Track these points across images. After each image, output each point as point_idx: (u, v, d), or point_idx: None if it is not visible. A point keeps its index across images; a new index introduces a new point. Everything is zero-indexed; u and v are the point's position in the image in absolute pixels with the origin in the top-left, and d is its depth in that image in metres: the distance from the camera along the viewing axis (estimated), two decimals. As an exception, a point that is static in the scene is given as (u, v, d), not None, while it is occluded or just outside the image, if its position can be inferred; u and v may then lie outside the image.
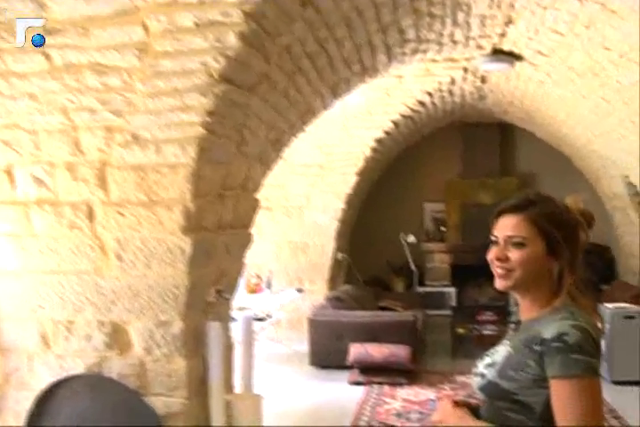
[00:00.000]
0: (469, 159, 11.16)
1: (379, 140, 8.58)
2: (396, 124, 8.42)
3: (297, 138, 5.17)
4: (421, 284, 10.81)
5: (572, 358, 1.72)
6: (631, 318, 6.81)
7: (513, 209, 1.92)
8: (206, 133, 3.53)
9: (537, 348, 1.79)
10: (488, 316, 8.43)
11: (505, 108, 9.32)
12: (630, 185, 8.53)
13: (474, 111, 9.69)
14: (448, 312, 9.77)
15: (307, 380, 7.09)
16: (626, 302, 7.50)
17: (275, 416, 5.49)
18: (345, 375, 7.00)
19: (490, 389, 1.90)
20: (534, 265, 1.88)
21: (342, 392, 6.60)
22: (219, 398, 4.03)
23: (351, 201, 9.13)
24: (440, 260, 11.09)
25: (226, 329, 4.44)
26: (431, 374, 7.29)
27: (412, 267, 10.40)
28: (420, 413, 5.86)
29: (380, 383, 6.81)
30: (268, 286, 8.27)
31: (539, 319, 1.87)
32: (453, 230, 11.16)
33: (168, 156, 3.56)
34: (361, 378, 6.88)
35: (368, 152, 8.62)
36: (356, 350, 7.00)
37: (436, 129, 10.37)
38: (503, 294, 10.96)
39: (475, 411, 1.99)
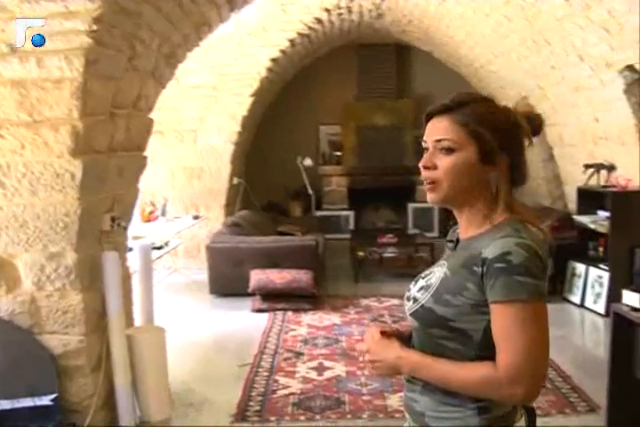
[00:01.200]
0: (365, 81, 10.95)
1: (274, 60, 8.22)
2: (292, 42, 8.07)
3: (191, 53, 4.79)
4: (319, 208, 10.69)
5: (517, 280, 1.51)
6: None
7: (443, 110, 1.66)
8: (93, 44, 3.16)
9: (477, 269, 1.56)
10: (388, 238, 8.37)
11: (403, 27, 9.08)
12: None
13: (371, 31, 9.42)
14: (347, 236, 9.72)
15: (208, 309, 6.88)
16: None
17: (178, 348, 5.30)
18: (247, 303, 6.83)
19: (423, 315, 1.67)
20: (465, 174, 1.63)
21: (246, 320, 6.43)
22: (119, 332, 3.77)
23: (246, 124, 8.80)
24: (337, 183, 10.95)
25: (123, 259, 4.15)
26: (334, 298, 7.21)
27: (309, 191, 10.25)
28: (327, 338, 5.77)
29: (283, 310, 6.68)
30: (163, 213, 7.94)
31: (479, 237, 1.64)
32: (350, 153, 10.99)
33: (52, 69, 3.18)
34: (264, 305, 6.72)
35: (263, 72, 8.26)
36: (257, 277, 6.82)
37: (331, 50, 10.08)
38: (400, 217, 11.03)
39: (407, 341, 1.79)
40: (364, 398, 4.40)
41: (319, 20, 7.94)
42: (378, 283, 7.76)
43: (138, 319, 4.50)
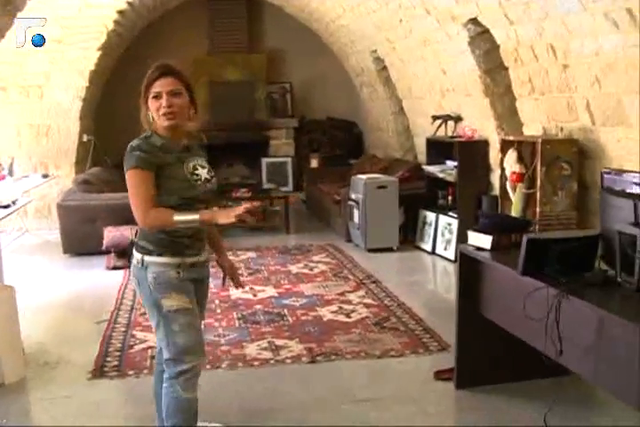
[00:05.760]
0: (216, 35, 10.75)
1: (121, 12, 7.94)
2: (140, -7, 7.81)
3: (31, 0, 4.57)
4: (171, 164, 10.47)
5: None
6: (383, 187, 7.05)
7: (170, 73, 2.79)
8: None
9: None
10: (242, 193, 8.43)
11: (254, -20, 8.97)
12: (378, 60, 8.67)
13: (221, -17, 9.26)
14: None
15: (62, 269, 6.72)
16: (377, 173, 7.77)
17: (33, 309, 5.17)
18: (102, 261, 6.74)
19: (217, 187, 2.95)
20: (186, 107, 2.82)
21: (101, 278, 6.33)
22: (-34, 292, 3.63)
23: (94, 79, 8.52)
24: (189, 139, 10.75)
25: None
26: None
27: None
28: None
29: (139, 267, 6.58)
30: (10, 172, 7.61)
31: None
32: (202, 109, 10.74)
33: None
34: (119, 262, 6.60)
35: (110, 25, 7.98)
36: (111, 234, 6.72)
37: (181, 3, 9.84)
38: (255, 172, 10.98)
39: None
40: (223, 348, 4.45)
41: (168, -30, 7.72)
42: (231, 237, 7.71)
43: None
